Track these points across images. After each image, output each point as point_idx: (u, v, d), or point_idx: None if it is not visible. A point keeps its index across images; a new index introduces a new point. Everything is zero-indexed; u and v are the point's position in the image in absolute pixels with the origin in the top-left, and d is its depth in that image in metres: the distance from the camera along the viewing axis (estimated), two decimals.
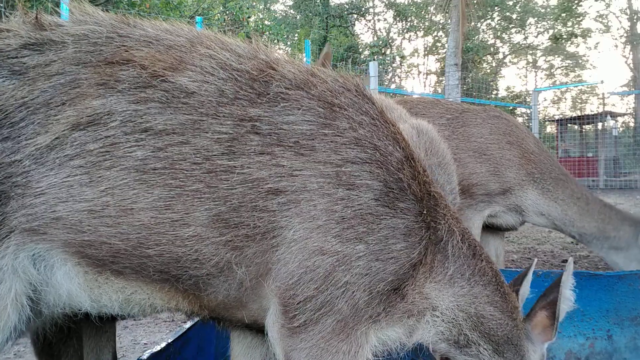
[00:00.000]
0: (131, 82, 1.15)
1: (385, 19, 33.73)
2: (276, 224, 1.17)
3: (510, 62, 34.42)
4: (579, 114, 22.39)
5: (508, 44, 32.85)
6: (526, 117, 21.35)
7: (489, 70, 32.33)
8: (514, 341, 1.46)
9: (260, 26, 14.88)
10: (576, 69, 34.86)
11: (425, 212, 1.31)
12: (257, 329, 1.34)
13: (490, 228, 3.64)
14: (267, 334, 1.29)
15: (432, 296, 1.36)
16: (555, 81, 34.99)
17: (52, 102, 1.13)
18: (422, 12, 29.19)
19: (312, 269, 1.17)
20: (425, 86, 32.30)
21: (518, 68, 42.26)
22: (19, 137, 1.11)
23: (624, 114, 24.02)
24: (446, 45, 13.03)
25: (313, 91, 1.25)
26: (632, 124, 25.22)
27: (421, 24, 30.22)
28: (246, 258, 1.18)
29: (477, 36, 29.08)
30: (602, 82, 30.84)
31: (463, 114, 3.65)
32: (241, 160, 1.15)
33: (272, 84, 1.23)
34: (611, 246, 3.27)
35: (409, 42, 34.51)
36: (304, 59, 8.20)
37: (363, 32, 32.41)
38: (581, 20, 31.08)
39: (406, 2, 29.26)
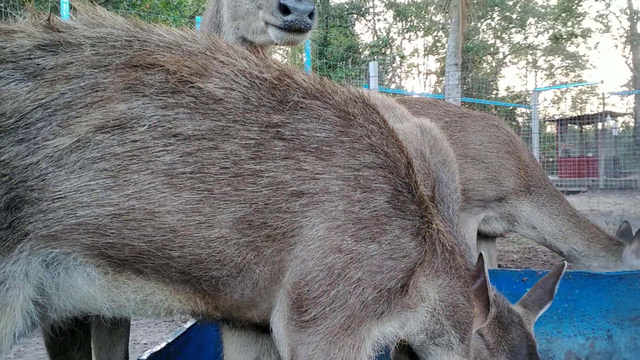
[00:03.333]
0: (158, 87, 1.16)
1: (385, 19, 33.79)
2: (297, 224, 1.21)
3: (510, 62, 34.47)
4: (579, 114, 22.41)
5: (508, 44, 32.89)
6: (526, 117, 21.38)
7: (489, 70, 32.34)
8: (471, 327, 1.59)
9: None
10: (576, 69, 34.91)
11: (424, 212, 1.41)
12: (264, 328, 1.37)
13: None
14: (271, 330, 1.32)
15: (423, 289, 1.45)
16: (555, 81, 35.02)
17: (73, 104, 1.11)
18: (422, 12, 29.20)
19: (328, 266, 1.23)
20: (425, 86, 32.36)
21: (518, 68, 42.38)
22: (35, 138, 1.07)
23: (624, 114, 24.03)
24: (446, 45, 13.02)
25: (329, 101, 1.32)
26: (632, 124, 25.24)
27: (421, 24, 30.23)
28: (264, 257, 1.21)
29: (477, 36, 29.10)
30: (602, 82, 30.96)
31: (462, 118, 3.65)
32: (267, 165, 1.19)
33: (291, 92, 1.28)
34: (600, 265, 3.34)
35: (409, 42, 34.56)
36: (304, 59, 8.18)
37: (363, 32, 32.38)
38: (581, 20, 31.13)
39: (406, 2, 29.28)
